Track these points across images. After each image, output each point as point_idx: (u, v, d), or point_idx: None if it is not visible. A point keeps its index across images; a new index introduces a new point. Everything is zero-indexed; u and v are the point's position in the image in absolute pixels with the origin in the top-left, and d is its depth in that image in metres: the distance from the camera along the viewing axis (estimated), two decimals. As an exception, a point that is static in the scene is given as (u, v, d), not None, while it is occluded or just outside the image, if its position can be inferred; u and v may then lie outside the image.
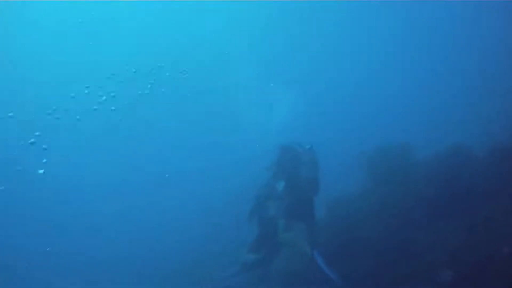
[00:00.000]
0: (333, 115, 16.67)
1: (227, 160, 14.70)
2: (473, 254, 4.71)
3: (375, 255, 5.51)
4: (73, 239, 12.44)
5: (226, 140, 15.89)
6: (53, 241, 12.38)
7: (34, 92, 16.83)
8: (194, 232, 10.72)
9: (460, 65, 17.23)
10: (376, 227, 5.90)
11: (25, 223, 13.61)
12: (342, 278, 5.37)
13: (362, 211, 6.35)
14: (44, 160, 9.50)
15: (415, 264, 5.15)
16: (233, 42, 18.50)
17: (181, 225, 11.54)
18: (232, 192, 9.59)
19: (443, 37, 18.86)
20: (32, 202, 14.57)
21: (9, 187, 13.64)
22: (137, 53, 16.84)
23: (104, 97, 11.73)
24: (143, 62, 14.67)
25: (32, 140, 8.53)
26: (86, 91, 12.18)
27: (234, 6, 18.92)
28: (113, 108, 11.88)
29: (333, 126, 15.42)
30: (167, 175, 14.74)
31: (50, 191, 14.69)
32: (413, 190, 6.34)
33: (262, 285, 6.31)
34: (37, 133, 8.37)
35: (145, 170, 16.15)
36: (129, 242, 11.51)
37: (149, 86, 14.70)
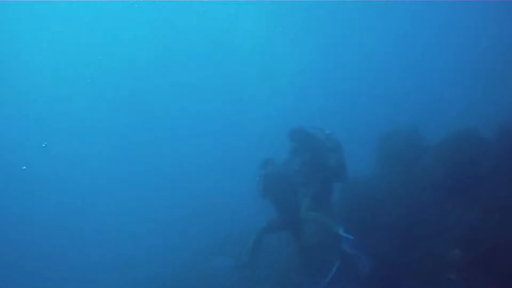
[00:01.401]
0: (342, 99, 16.58)
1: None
2: (482, 237, 4.78)
3: (383, 237, 5.60)
4: (73, 239, 12.65)
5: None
6: (56, 241, 12.64)
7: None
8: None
9: (469, 50, 17.02)
10: (385, 210, 5.98)
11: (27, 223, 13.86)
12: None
13: (371, 194, 6.42)
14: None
15: (424, 246, 5.24)
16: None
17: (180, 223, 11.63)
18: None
19: (455, 22, 18.57)
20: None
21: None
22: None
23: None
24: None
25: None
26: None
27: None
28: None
29: (341, 109, 15.37)
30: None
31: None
32: (422, 173, 6.38)
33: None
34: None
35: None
36: (134, 241, 11.66)
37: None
